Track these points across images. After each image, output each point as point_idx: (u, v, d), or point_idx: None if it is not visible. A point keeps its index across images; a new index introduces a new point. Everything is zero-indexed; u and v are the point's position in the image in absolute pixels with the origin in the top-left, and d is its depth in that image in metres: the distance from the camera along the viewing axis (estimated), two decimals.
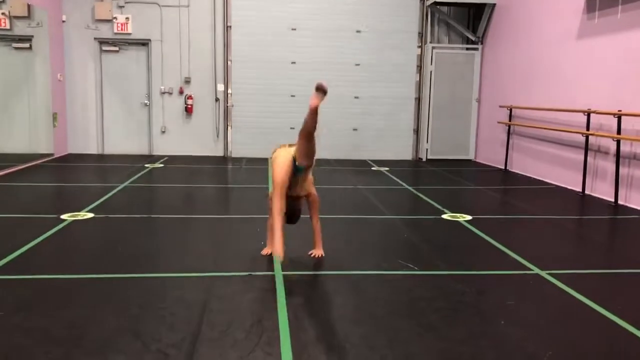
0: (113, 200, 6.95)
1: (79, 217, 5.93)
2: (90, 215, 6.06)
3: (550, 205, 7.22)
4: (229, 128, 11.69)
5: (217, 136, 11.74)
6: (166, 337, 3.13)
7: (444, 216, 6.35)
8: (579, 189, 7.93)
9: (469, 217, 6.25)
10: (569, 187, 8.26)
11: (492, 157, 11.05)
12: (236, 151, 11.75)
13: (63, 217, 5.91)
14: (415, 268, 4.44)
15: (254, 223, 5.87)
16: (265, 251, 4.75)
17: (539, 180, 9.05)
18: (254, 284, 4.04)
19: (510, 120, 10.16)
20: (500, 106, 10.40)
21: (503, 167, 10.36)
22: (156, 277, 4.17)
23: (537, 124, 9.21)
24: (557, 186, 8.49)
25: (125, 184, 8.01)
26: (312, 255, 4.70)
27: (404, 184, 8.63)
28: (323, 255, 4.70)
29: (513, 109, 10.08)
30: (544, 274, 4.37)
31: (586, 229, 6.25)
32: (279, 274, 4.24)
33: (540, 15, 9.33)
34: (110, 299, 3.71)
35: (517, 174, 9.81)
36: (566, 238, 5.85)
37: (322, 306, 3.68)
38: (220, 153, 11.79)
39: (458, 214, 6.40)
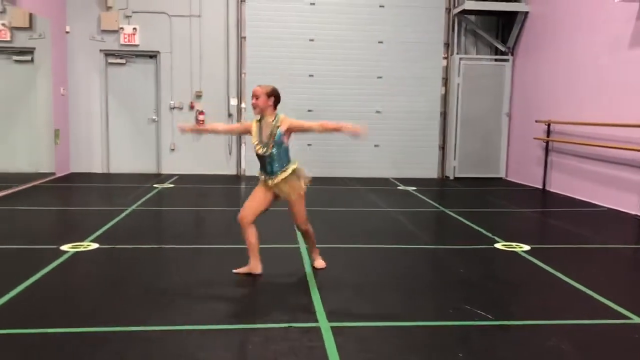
0: (119, 227, 6.19)
1: (82, 249, 5.18)
2: (95, 245, 5.30)
3: (612, 232, 6.43)
4: (242, 145, 10.96)
5: (230, 154, 11.02)
6: None
7: (497, 245, 5.57)
8: (637, 212, 7.14)
9: (526, 247, 5.47)
10: (624, 210, 7.46)
11: (526, 176, 10.27)
12: (250, 169, 11.00)
13: (63, 248, 5.16)
14: (490, 317, 3.65)
15: (280, 255, 5.12)
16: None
17: (586, 202, 8.25)
18: (298, 340, 3.25)
19: (548, 136, 9.40)
20: (537, 121, 9.63)
21: (540, 187, 9.57)
22: (172, 331, 3.39)
23: (582, 140, 8.44)
24: (609, 209, 7.69)
25: (133, 207, 7.26)
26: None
27: (438, 206, 7.86)
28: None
29: (551, 124, 9.32)
30: None
31: None
32: (325, 325, 3.46)
33: (582, 22, 8.61)
34: None
35: (558, 194, 9.02)
36: None
37: None
38: (232, 172, 11.05)
39: (513, 243, 5.62)
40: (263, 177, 4.45)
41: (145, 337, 3.29)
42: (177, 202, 7.99)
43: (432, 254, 5.38)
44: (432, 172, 11.29)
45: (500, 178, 11.02)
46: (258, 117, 4.38)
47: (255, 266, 4.48)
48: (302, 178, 4.41)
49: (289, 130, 4.33)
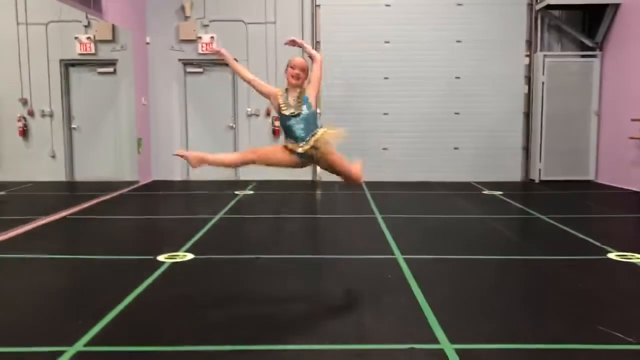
0: (210, 236, 6.13)
1: (178, 259, 5.12)
2: (190, 256, 5.24)
3: None
4: None
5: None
6: None
7: (611, 256, 5.12)
8: None
9: None
10: None
11: (620, 178, 9.59)
12: (326, 174, 10.79)
13: (160, 258, 5.12)
14: (631, 340, 3.28)
15: (377, 266, 4.88)
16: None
17: None
18: None
19: None
20: (633, 119, 8.98)
21: (637, 190, 8.90)
22: (290, 351, 3.21)
23: None
24: None
25: (220, 215, 7.22)
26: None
27: (532, 212, 7.40)
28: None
29: None
30: None
31: None
32: (448, 347, 3.19)
33: None
34: None
35: None
36: None
37: None
38: (308, 177, 10.91)
39: (628, 253, 5.15)
40: (292, 144, 4.09)
41: (262, 357, 3.12)
42: (261, 210, 7.90)
43: (540, 266, 4.99)
44: (515, 175, 10.77)
45: (590, 181, 10.36)
46: (284, 87, 4.16)
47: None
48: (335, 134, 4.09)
49: (314, 92, 4.13)
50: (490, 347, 3.23)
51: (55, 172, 10.38)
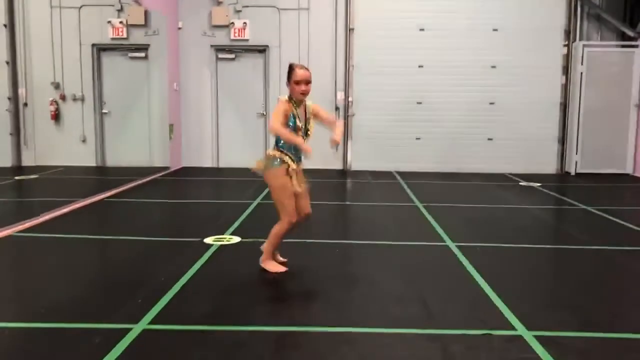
0: (251, 220, 6.03)
1: (225, 242, 5.03)
2: (236, 239, 5.15)
3: None
4: (349, 139, 10.67)
5: (337, 148, 10.74)
6: None
7: None
8: None
9: None
10: None
11: None
12: (356, 164, 10.70)
13: (207, 241, 5.03)
14: None
15: (431, 253, 4.75)
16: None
17: None
18: (507, 351, 2.87)
19: None
20: None
21: None
22: (363, 334, 3.09)
23: None
24: None
25: (258, 200, 7.12)
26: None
27: (576, 203, 7.21)
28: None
29: None
30: None
31: None
32: (526, 333, 3.06)
33: None
34: None
35: None
36: None
37: None
38: (339, 166, 10.78)
39: None
40: (290, 162, 4.19)
41: (320, 339, 3.01)
42: None
43: (599, 255, 4.82)
44: (550, 167, 10.55)
45: (627, 174, 10.11)
46: (287, 97, 4.05)
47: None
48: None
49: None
50: (571, 335, 3.09)
51: (86, 157, 10.37)
